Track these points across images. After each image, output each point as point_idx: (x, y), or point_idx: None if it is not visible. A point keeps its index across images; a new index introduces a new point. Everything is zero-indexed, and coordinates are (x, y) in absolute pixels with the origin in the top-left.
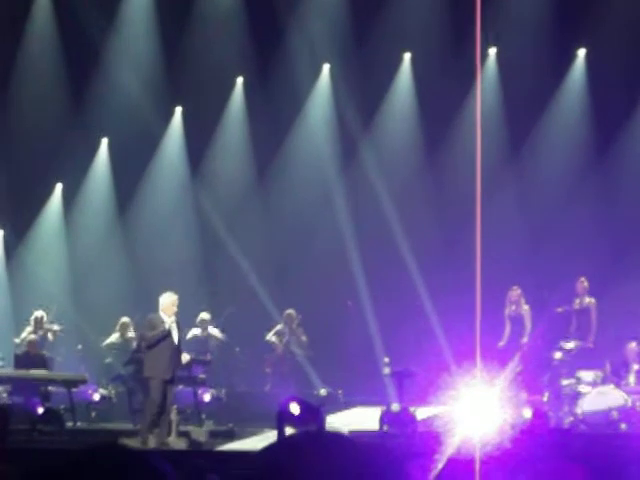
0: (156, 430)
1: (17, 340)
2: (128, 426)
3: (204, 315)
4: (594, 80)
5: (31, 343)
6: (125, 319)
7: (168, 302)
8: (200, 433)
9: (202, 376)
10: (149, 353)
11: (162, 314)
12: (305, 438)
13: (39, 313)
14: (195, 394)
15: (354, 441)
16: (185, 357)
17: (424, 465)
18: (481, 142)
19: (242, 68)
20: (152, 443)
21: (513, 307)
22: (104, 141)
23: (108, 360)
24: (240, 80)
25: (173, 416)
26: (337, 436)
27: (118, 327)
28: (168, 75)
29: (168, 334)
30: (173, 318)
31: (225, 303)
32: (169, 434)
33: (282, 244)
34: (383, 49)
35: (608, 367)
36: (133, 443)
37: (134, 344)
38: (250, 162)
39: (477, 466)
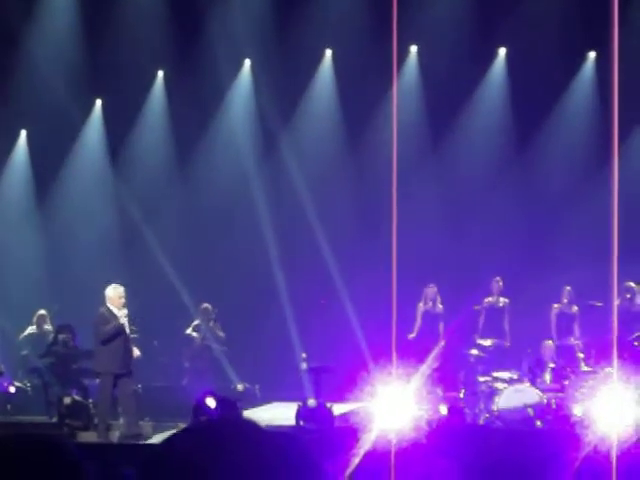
0: (120, 422)
1: None
2: (43, 419)
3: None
4: (514, 76)
5: None
6: (42, 311)
7: (115, 295)
8: (145, 426)
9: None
10: (103, 348)
11: (111, 307)
12: (216, 425)
13: None
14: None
15: (270, 431)
16: (136, 352)
17: (340, 460)
18: (399, 136)
19: (163, 60)
20: (113, 437)
21: (430, 304)
22: (23, 132)
23: (24, 352)
24: (161, 73)
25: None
26: (251, 425)
27: (35, 319)
28: (89, 67)
29: (122, 328)
30: (125, 311)
31: (142, 295)
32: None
33: (201, 236)
34: (305, 45)
35: (524, 365)
36: (90, 437)
37: (51, 337)
38: (170, 154)
39: (392, 461)
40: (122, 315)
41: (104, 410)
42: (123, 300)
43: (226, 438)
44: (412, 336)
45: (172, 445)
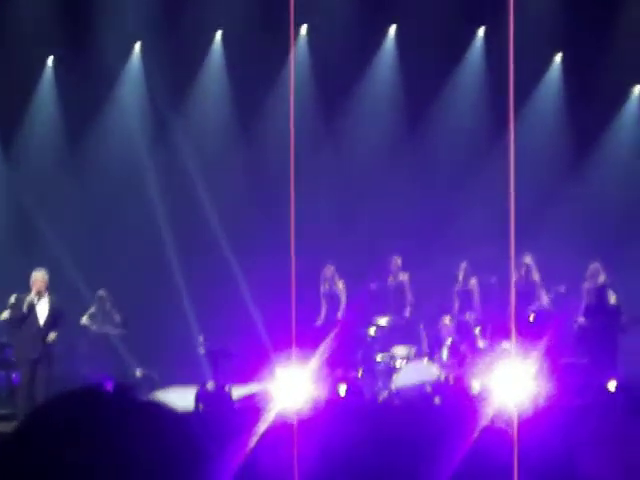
0: None
1: None
2: None
3: None
4: (403, 54)
5: None
6: None
7: (32, 279)
8: None
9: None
10: (12, 335)
11: (31, 293)
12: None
13: None
14: (7, 377)
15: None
16: (52, 336)
17: (238, 442)
18: (295, 116)
19: (53, 46)
20: None
21: (327, 285)
22: None
23: None
24: (50, 58)
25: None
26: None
27: None
28: None
29: (26, 314)
30: (38, 297)
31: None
32: None
33: (95, 222)
34: (195, 26)
35: (424, 341)
36: (9, 428)
37: None
38: (61, 141)
39: (294, 440)
40: (29, 300)
41: (19, 399)
42: (38, 285)
43: (112, 409)
44: (319, 323)
45: (49, 409)
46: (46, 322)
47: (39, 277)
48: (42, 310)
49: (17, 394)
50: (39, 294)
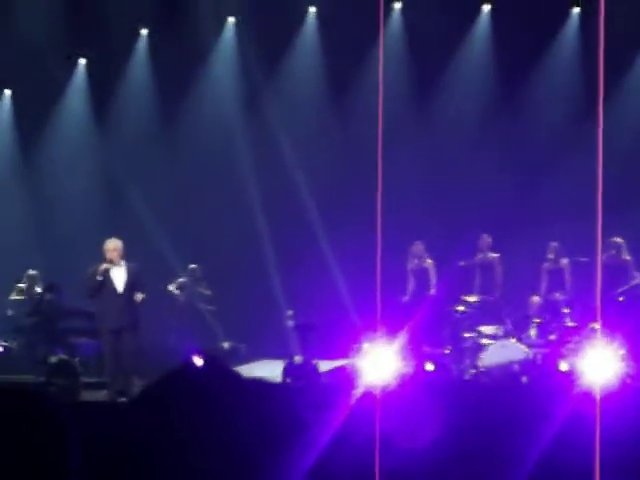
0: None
1: None
2: (30, 378)
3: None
4: (499, 31)
5: None
6: (32, 272)
7: (104, 249)
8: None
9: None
10: (94, 303)
11: (105, 261)
12: (196, 373)
13: None
14: (97, 345)
15: (251, 381)
16: (139, 296)
17: (326, 416)
18: (385, 92)
19: (147, 19)
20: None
21: (415, 261)
22: (7, 92)
23: (10, 312)
24: (145, 31)
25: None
26: (232, 374)
27: (25, 279)
28: (72, 25)
29: (102, 282)
30: (118, 266)
31: (128, 254)
32: (124, 387)
33: (186, 195)
34: (288, 2)
35: (512, 320)
36: (101, 396)
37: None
38: (155, 113)
39: (378, 417)
40: (103, 269)
41: (107, 368)
42: (111, 254)
43: (207, 386)
44: (406, 299)
45: (155, 391)
46: (124, 290)
47: (110, 246)
48: (119, 278)
49: (104, 364)
50: (111, 262)
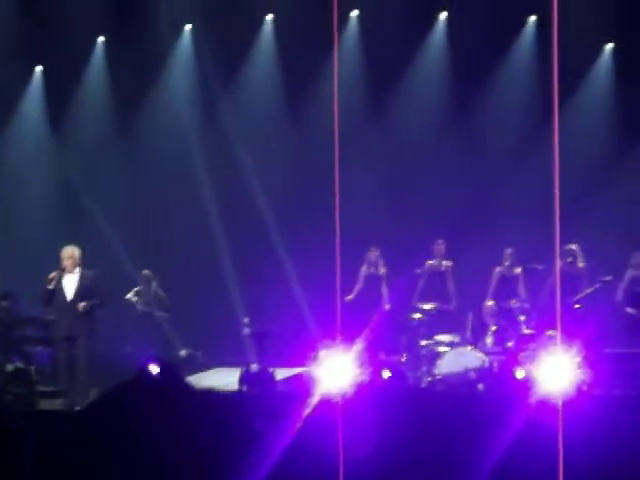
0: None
1: None
2: None
3: None
4: (455, 40)
5: None
6: None
7: (61, 255)
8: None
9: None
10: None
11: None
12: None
13: None
14: (52, 354)
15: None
16: (81, 305)
17: (282, 424)
18: (340, 101)
19: (103, 26)
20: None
21: (372, 269)
22: None
23: None
24: (101, 39)
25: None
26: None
27: None
28: (27, 34)
29: (53, 291)
30: (71, 274)
31: (85, 263)
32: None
33: (142, 202)
34: (245, 9)
35: (468, 328)
36: (57, 405)
37: None
38: (112, 120)
39: (338, 424)
40: (56, 276)
41: (60, 376)
42: (66, 261)
43: (162, 395)
44: (349, 298)
45: (110, 399)
46: (74, 297)
47: (64, 254)
48: (70, 286)
49: (59, 372)
50: (64, 270)
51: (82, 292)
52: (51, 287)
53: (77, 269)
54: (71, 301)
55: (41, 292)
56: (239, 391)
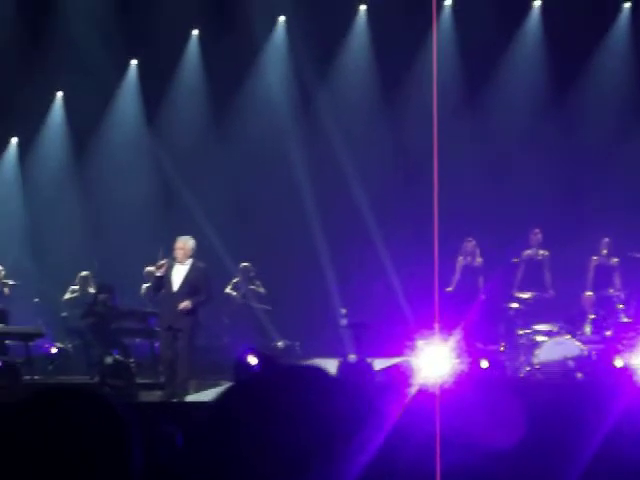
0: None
1: None
2: (85, 379)
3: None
4: (549, 28)
5: None
6: (84, 273)
7: (174, 246)
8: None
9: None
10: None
11: (174, 260)
12: (265, 379)
13: None
14: (151, 346)
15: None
16: (183, 304)
17: (381, 415)
18: (438, 91)
19: (197, 19)
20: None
21: (469, 258)
22: (59, 94)
23: (64, 313)
24: (195, 32)
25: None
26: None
27: (77, 280)
28: (123, 27)
29: (162, 279)
30: (181, 265)
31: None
32: (176, 388)
33: (237, 194)
34: (340, 1)
35: (566, 317)
36: (155, 397)
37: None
38: (205, 112)
39: (436, 414)
40: (165, 267)
41: (161, 367)
42: (179, 251)
43: (269, 388)
44: (450, 290)
45: (225, 401)
46: (180, 290)
47: (177, 244)
48: (177, 276)
49: (159, 364)
50: (174, 259)
51: (187, 285)
52: (159, 274)
53: (188, 260)
54: (176, 293)
55: (152, 279)
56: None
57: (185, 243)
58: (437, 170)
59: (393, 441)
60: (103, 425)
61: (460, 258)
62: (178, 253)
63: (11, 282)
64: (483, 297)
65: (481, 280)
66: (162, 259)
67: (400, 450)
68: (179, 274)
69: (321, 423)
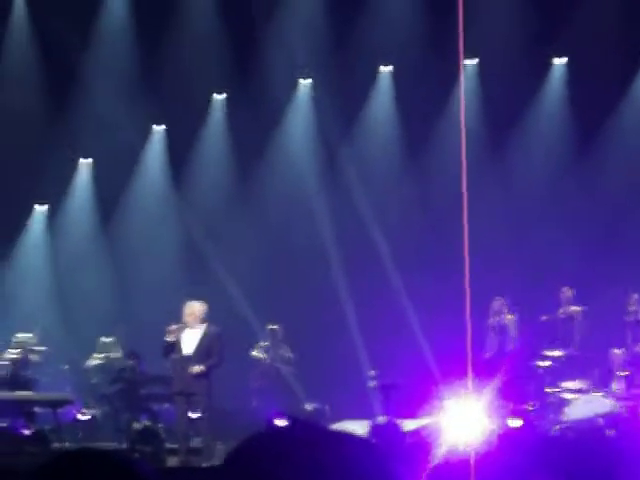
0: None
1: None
2: (113, 445)
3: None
4: (573, 86)
5: (16, 364)
6: (106, 339)
7: (183, 312)
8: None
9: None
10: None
11: (185, 324)
12: (285, 431)
13: (20, 335)
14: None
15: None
16: (195, 369)
17: (411, 476)
18: (458, 147)
19: (221, 82)
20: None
21: (497, 318)
22: (83, 161)
23: (94, 380)
24: (219, 96)
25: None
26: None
27: (98, 347)
28: (147, 91)
29: (173, 344)
30: (194, 329)
31: (208, 316)
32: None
33: (263, 256)
34: (362, 61)
35: (595, 374)
36: (173, 462)
37: (118, 363)
38: (231, 176)
39: (470, 474)
40: (177, 331)
41: (177, 432)
42: (190, 317)
43: (297, 444)
44: (488, 355)
45: (242, 452)
46: (193, 353)
47: (186, 310)
48: (189, 341)
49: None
50: (185, 324)
51: (202, 348)
52: (170, 340)
53: (201, 325)
54: (188, 357)
55: (163, 344)
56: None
57: (194, 308)
58: (467, 227)
59: None
60: None
61: (490, 319)
62: (188, 319)
63: (40, 348)
64: (514, 354)
65: (513, 336)
66: (172, 325)
67: None
68: (191, 338)
69: None
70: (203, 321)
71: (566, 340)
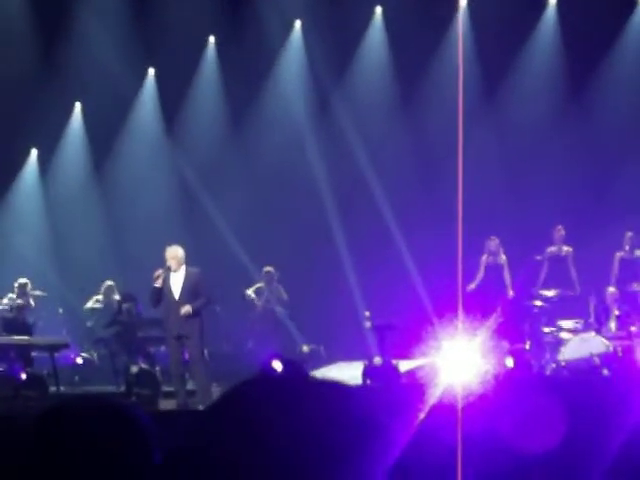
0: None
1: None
2: (111, 388)
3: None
4: (566, 21)
5: (20, 309)
6: (109, 282)
7: (166, 255)
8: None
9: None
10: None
11: (169, 269)
12: (276, 380)
13: (23, 280)
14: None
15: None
16: (184, 309)
17: (406, 417)
18: (455, 89)
19: (213, 26)
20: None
21: (491, 257)
22: (77, 105)
23: (90, 323)
24: (212, 38)
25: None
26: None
27: (103, 290)
28: (140, 36)
29: (160, 290)
30: (177, 273)
31: (204, 261)
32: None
33: (258, 200)
34: (355, 2)
35: (591, 313)
36: (170, 405)
37: (115, 307)
38: (224, 119)
39: (459, 415)
40: (162, 275)
41: (172, 375)
42: (172, 261)
43: (286, 392)
44: (471, 287)
45: (233, 398)
46: (181, 296)
47: (168, 254)
48: (176, 285)
49: (170, 371)
50: (169, 269)
51: (187, 291)
52: (158, 285)
53: (182, 268)
54: (177, 301)
55: (150, 291)
56: (363, 384)
57: (176, 252)
58: (462, 168)
59: (418, 444)
60: (122, 436)
61: (484, 257)
62: (172, 262)
63: (37, 293)
64: (511, 294)
65: (507, 278)
66: (158, 270)
67: (426, 453)
68: (177, 282)
69: (340, 430)
70: (184, 264)
71: (560, 279)
